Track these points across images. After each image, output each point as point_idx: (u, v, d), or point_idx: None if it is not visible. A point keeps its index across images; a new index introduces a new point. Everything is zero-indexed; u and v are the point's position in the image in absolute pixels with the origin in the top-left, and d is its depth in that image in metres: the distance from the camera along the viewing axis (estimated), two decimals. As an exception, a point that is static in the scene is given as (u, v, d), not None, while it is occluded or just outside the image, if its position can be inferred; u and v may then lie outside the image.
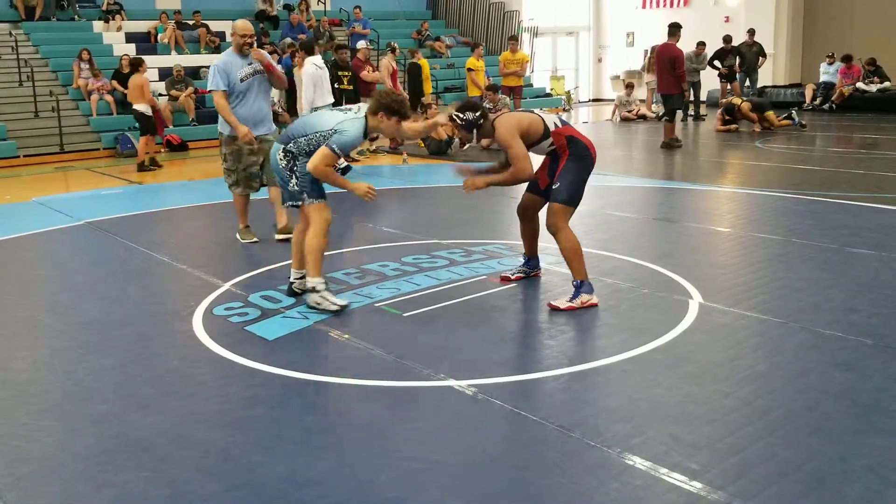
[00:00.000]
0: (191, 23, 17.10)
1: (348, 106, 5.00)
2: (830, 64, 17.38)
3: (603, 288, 5.02)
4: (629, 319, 4.59)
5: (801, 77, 20.33)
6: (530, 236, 5.22)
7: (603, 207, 7.78)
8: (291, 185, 4.82)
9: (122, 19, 16.75)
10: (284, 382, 3.86)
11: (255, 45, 6.60)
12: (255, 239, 6.73)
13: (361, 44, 12.70)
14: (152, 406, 3.61)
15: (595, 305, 4.75)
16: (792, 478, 2.84)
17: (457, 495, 2.81)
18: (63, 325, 4.87)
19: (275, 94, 12.08)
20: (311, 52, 10.28)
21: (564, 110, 19.04)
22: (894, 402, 3.42)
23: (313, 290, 4.81)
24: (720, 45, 16.74)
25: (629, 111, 17.28)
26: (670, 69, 12.18)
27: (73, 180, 11.46)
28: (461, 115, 4.74)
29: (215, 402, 3.68)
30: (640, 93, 18.63)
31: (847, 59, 17.00)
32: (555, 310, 4.70)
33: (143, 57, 12.78)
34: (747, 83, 17.35)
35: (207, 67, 6.49)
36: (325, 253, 4.93)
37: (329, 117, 4.79)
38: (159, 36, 16.49)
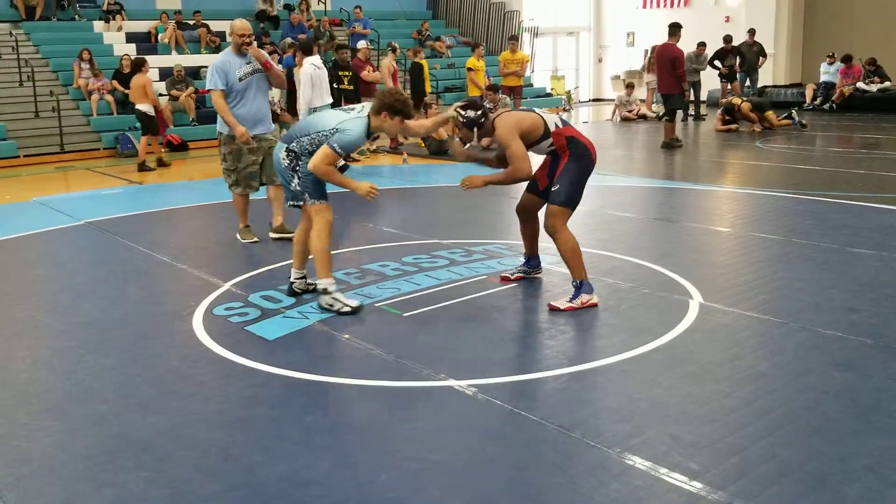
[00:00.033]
0: (191, 23, 17.11)
1: (351, 106, 4.99)
2: (831, 64, 17.38)
3: (603, 288, 5.02)
4: (629, 319, 4.59)
5: (801, 77, 20.33)
6: (530, 236, 5.22)
7: (603, 207, 7.78)
8: (294, 185, 4.82)
9: (123, 19, 16.75)
10: (284, 382, 3.86)
11: (255, 44, 6.60)
12: (255, 239, 6.73)
13: (362, 44, 12.70)
14: (152, 406, 3.61)
15: (595, 305, 4.75)
16: (792, 478, 2.84)
17: (457, 495, 2.81)
18: (63, 325, 4.87)
19: (275, 93, 12.09)
20: (308, 53, 10.28)
21: (565, 110, 19.04)
22: (894, 402, 3.42)
23: (325, 291, 4.79)
24: (720, 44, 16.74)
25: (629, 111, 17.28)
26: (671, 69, 12.17)
27: (73, 180, 11.46)
28: (462, 113, 4.73)
29: (215, 402, 3.68)
30: (641, 93, 18.63)
31: (847, 59, 17.00)
32: (555, 310, 4.69)
33: (143, 57, 12.78)
34: (748, 83, 17.35)
35: (207, 67, 6.49)
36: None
37: (331, 117, 4.79)
38: (160, 36, 16.49)
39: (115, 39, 16.25)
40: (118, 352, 4.31)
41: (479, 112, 4.72)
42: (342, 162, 9.41)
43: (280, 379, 3.89)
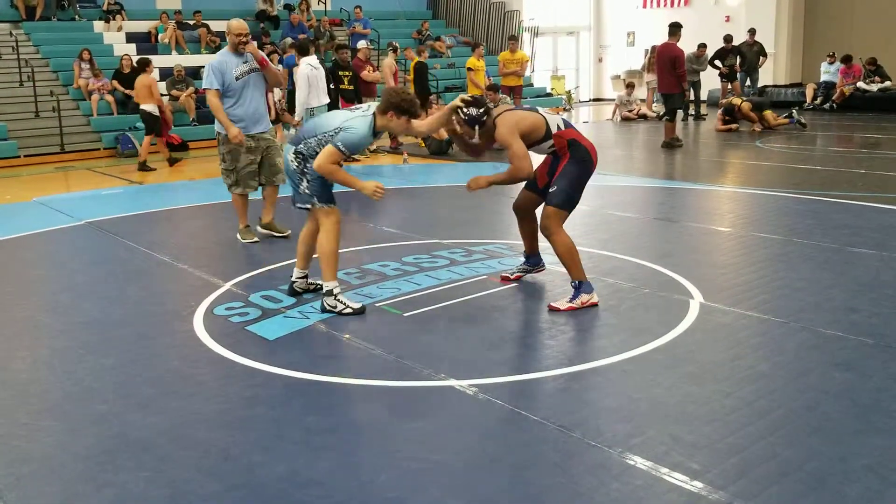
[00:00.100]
0: (191, 23, 17.11)
1: (357, 105, 4.99)
2: (831, 63, 17.38)
3: (603, 288, 5.02)
4: (629, 319, 4.59)
5: (801, 77, 20.32)
6: (529, 234, 5.21)
7: (603, 207, 7.78)
8: (302, 187, 4.79)
9: (123, 19, 16.75)
10: (285, 382, 3.86)
11: (254, 44, 6.60)
12: (255, 239, 6.73)
13: (362, 44, 12.71)
14: (152, 406, 3.61)
15: (596, 304, 4.74)
16: (792, 478, 2.84)
17: (457, 495, 2.81)
18: (63, 325, 4.87)
19: (277, 94, 12.10)
20: (305, 53, 10.28)
21: (565, 110, 19.04)
22: (894, 402, 3.42)
23: (329, 293, 4.79)
24: (721, 44, 16.74)
25: (630, 111, 17.28)
26: (671, 69, 12.18)
27: (73, 180, 11.46)
28: (464, 110, 4.69)
29: (215, 402, 3.68)
30: (641, 92, 18.63)
31: (847, 59, 17.00)
32: (555, 311, 4.69)
33: (148, 57, 12.79)
34: (748, 83, 17.35)
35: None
36: (316, 255, 4.92)
37: (337, 116, 4.78)
38: (160, 36, 16.49)
39: (116, 39, 16.25)
40: (118, 352, 4.31)
41: (482, 109, 4.69)
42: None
43: (280, 379, 3.89)
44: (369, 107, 4.78)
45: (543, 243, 5.15)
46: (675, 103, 12.56)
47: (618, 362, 3.95)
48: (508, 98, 14.71)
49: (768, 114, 14.27)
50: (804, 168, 10.13)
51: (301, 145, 4.76)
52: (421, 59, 14.51)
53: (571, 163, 4.75)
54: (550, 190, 4.76)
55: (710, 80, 17.46)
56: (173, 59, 15.50)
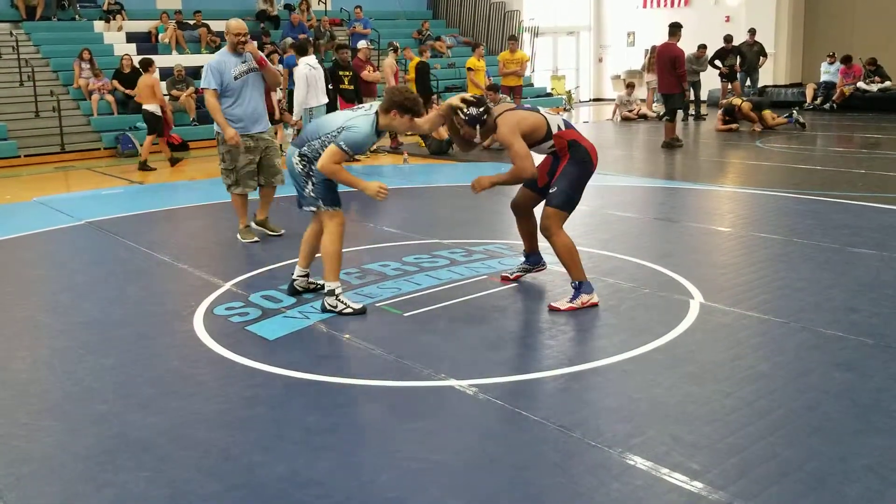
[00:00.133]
0: (191, 22, 17.11)
1: (360, 105, 4.98)
2: (831, 63, 17.38)
3: (604, 288, 5.02)
4: (630, 319, 4.59)
5: (801, 77, 20.33)
6: (528, 233, 5.20)
7: (604, 207, 7.78)
8: (307, 190, 4.78)
9: (123, 19, 16.75)
10: (285, 382, 3.85)
11: (254, 44, 6.61)
12: (255, 238, 6.73)
13: (362, 43, 12.71)
14: (152, 406, 3.61)
15: (596, 305, 4.74)
16: (792, 478, 2.84)
17: (457, 495, 2.81)
18: (63, 325, 4.87)
19: (279, 93, 12.10)
20: (304, 53, 10.29)
21: (565, 110, 19.04)
22: (894, 403, 3.42)
23: (330, 293, 4.78)
24: (721, 44, 16.74)
25: (630, 111, 17.28)
26: (671, 69, 12.18)
27: (73, 180, 11.46)
28: (464, 110, 4.66)
29: (216, 402, 3.68)
30: (641, 92, 18.63)
31: (847, 59, 17.00)
32: (555, 311, 4.69)
33: (151, 57, 12.80)
34: (748, 83, 17.35)
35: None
36: (319, 255, 4.92)
37: (339, 117, 4.77)
38: (160, 36, 16.49)
39: (116, 39, 16.25)
40: (118, 352, 4.31)
41: (482, 109, 4.68)
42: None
43: (280, 379, 3.89)
44: (371, 106, 4.77)
45: (543, 242, 5.15)
46: (675, 103, 12.56)
47: (618, 362, 3.95)
48: (508, 98, 14.73)
49: (767, 113, 14.28)
50: (804, 168, 10.13)
51: (305, 148, 4.75)
52: (423, 58, 14.52)
53: (571, 163, 4.74)
54: (550, 191, 4.76)
55: (710, 80, 17.46)
56: (173, 59, 15.51)
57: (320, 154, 4.68)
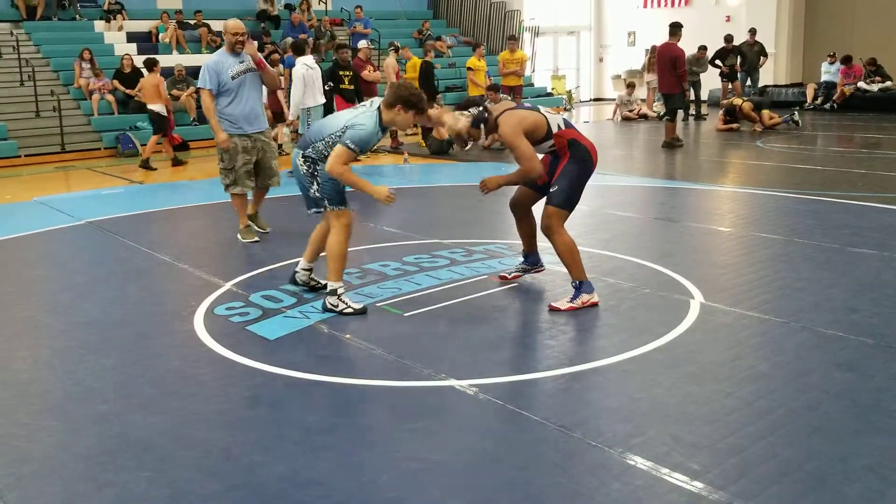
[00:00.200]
0: (192, 22, 17.11)
1: (362, 103, 4.97)
2: (832, 63, 17.37)
3: (604, 288, 5.02)
4: (630, 319, 4.59)
5: (802, 76, 20.32)
6: (527, 233, 5.20)
7: (604, 207, 7.78)
8: (312, 191, 4.77)
9: (124, 19, 16.75)
10: (285, 382, 3.86)
11: (255, 44, 6.63)
12: (256, 238, 6.74)
13: (363, 43, 12.71)
14: (153, 406, 3.61)
15: (596, 304, 4.74)
16: (792, 478, 2.84)
17: (457, 495, 2.81)
18: (64, 325, 4.87)
19: (280, 94, 12.12)
20: (301, 53, 10.30)
21: (565, 109, 19.03)
22: (895, 403, 3.42)
23: (332, 292, 4.78)
24: (721, 44, 16.74)
25: (630, 111, 17.28)
26: (671, 69, 12.18)
27: (74, 180, 11.46)
28: (465, 113, 4.66)
29: (216, 402, 3.68)
30: (641, 92, 18.63)
31: (847, 59, 17.00)
32: (555, 311, 4.69)
33: (143, 57, 12.81)
34: (748, 83, 17.35)
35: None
36: (323, 253, 4.92)
37: (341, 117, 4.76)
38: (160, 35, 16.48)
39: (116, 39, 16.25)
40: (119, 352, 4.31)
41: (480, 108, 4.68)
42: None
43: (281, 379, 3.89)
44: (372, 103, 4.76)
45: (542, 243, 5.15)
46: (675, 103, 12.56)
47: (618, 362, 3.95)
48: (509, 98, 14.73)
49: (765, 113, 14.30)
50: (805, 168, 10.13)
51: (309, 150, 4.75)
52: (427, 58, 14.54)
53: (571, 162, 4.74)
54: (551, 190, 4.76)
55: (710, 80, 17.46)
56: (174, 59, 15.50)
57: (325, 155, 4.67)
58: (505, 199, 5.38)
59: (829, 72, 17.50)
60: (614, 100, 18.63)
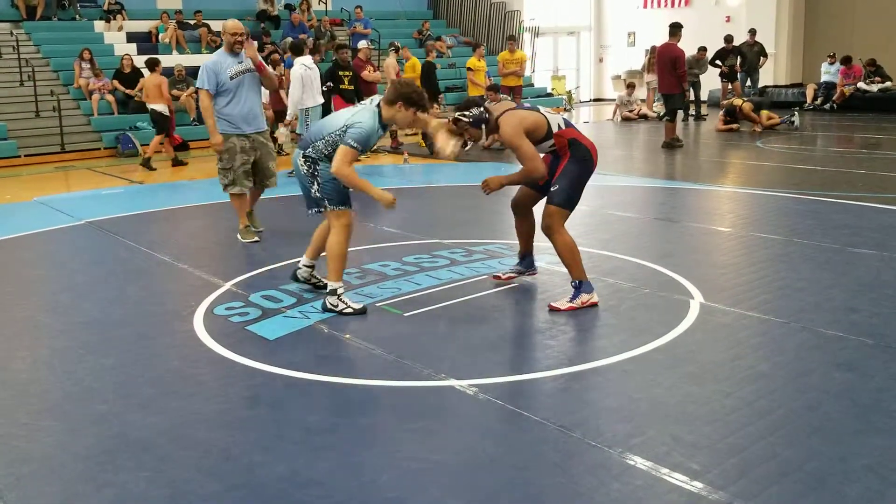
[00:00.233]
0: (192, 22, 17.11)
1: (361, 102, 4.96)
2: (831, 64, 17.38)
3: (604, 288, 5.01)
4: (630, 319, 4.58)
5: (802, 77, 20.33)
6: (526, 233, 5.19)
7: (604, 207, 7.78)
8: (313, 191, 4.77)
9: (124, 19, 16.76)
10: (285, 382, 3.85)
11: (255, 45, 6.64)
12: (256, 238, 6.73)
13: (363, 43, 12.71)
14: (153, 406, 3.61)
15: (596, 304, 4.74)
16: (792, 478, 2.84)
17: (457, 495, 2.81)
18: (63, 325, 4.87)
19: (283, 94, 12.13)
20: (299, 53, 10.30)
21: (565, 110, 19.04)
22: (895, 403, 3.42)
23: (332, 292, 4.78)
24: (721, 44, 16.74)
25: (630, 111, 17.28)
26: (671, 69, 12.18)
27: (73, 180, 11.46)
28: (466, 114, 4.63)
29: (216, 402, 3.68)
30: (641, 93, 18.63)
31: (846, 60, 17.01)
32: (555, 311, 4.69)
33: (143, 57, 12.82)
34: (748, 83, 17.35)
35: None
36: (324, 253, 4.92)
37: (341, 115, 4.75)
38: (160, 36, 16.49)
39: (116, 39, 16.25)
40: (118, 352, 4.31)
41: (481, 108, 4.66)
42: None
43: (281, 379, 3.89)
44: (371, 100, 4.76)
45: (542, 243, 5.15)
46: (675, 103, 12.56)
47: (618, 362, 3.95)
48: (509, 98, 14.73)
49: (764, 113, 14.32)
50: (804, 168, 10.13)
51: (310, 149, 4.74)
52: (429, 59, 14.56)
53: (572, 162, 4.74)
54: (551, 189, 4.75)
55: (710, 81, 17.47)
56: (174, 59, 15.50)
57: (324, 154, 4.67)
58: (505, 199, 5.38)
59: (828, 72, 17.50)
60: (614, 100, 18.63)
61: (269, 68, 7.04)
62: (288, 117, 10.49)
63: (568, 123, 4.85)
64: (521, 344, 4.45)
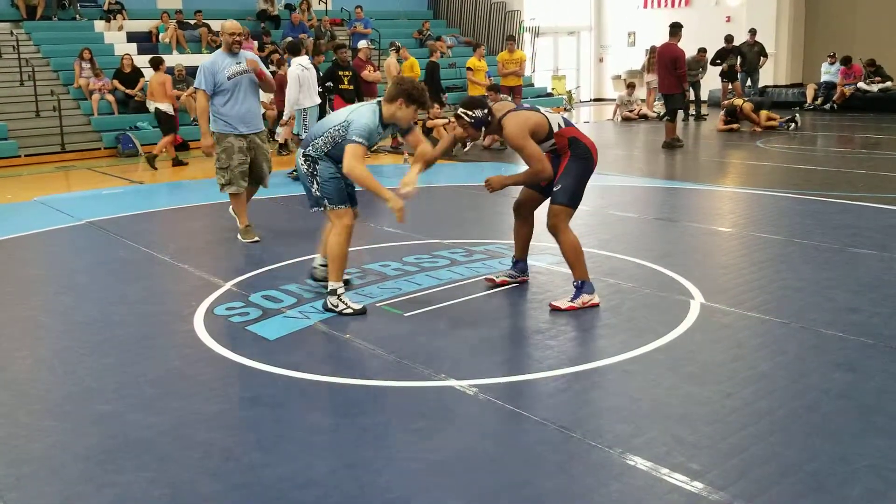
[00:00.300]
0: (192, 22, 17.11)
1: (361, 102, 4.97)
2: (832, 64, 17.38)
3: (604, 288, 5.02)
4: (630, 320, 4.58)
5: (802, 77, 20.33)
6: (524, 238, 5.17)
7: (604, 207, 7.77)
8: (314, 190, 4.77)
9: (124, 19, 16.76)
10: (285, 382, 3.85)
11: (255, 46, 6.66)
12: (256, 238, 6.73)
13: (363, 43, 12.72)
14: (153, 406, 3.61)
15: (596, 305, 4.74)
16: (793, 478, 2.84)
17: (457, 495, 2.81)
18: (64, 325, 4.87)
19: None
20: (296, 53, 10.30)
21: (566, 109, 19.04)
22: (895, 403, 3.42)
23: (333, 292, 4.78)
24: (721, 44, 16.74)
25: (630, 111, 17.28)
26: (671, 69, 12.18)
27: (74, 180, 11.46)
28: (469, 113, 4.62)
29: (216, 402, 3.68)
30: (641, 93, 18.63)
31: (846, 60, 17.01)
32: (556, 310, 4.69)
33: (144, 57, 12.83)
34: (748, 83, 17.36)
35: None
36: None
37: (341, 112, 4.77)
38: (160, 35, 16.49)
39: (116, 39, 16.25)
40: (119, 352, 4.31)
41: (486, 111, 4.65)
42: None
43: (281, 379, 3.89)
44: (372, 101, 4.79)
45: (537, 244, 5.15)
46: (675, 103, 12.56)
47: (619, 362, 3.95)
48: (509, 98, 14.73)
49: (763, 114, 14.32)
50: (805, 168, 10.13)
51: (309, 148, 4.75)
52: (433, 59, 14.57)
53: (573, 160, 4.74)
54: (555, 189, 4.74)
55: (711, 81, 17.47)
56: (174, 59, 15.49)
57: (324, 152, 4.69)
58: (505, 199, 5.39)
59: (829, 72, 17.50)
60: (614, 100, 18.63)
61: (270, 70, 7.06)
62: (284, 117, 10.50)
63: (567, 122, 4.85)
64: (521, 344, 4.45)
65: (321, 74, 11.10)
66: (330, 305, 4.78)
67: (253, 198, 6.90)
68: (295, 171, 7.34)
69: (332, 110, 10.30)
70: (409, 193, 4.61)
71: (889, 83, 16.88)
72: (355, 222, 4.88)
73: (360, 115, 4.61)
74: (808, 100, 17.71)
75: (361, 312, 4.74)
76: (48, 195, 9.56)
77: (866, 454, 2.99)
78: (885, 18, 18.83)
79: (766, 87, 18.44)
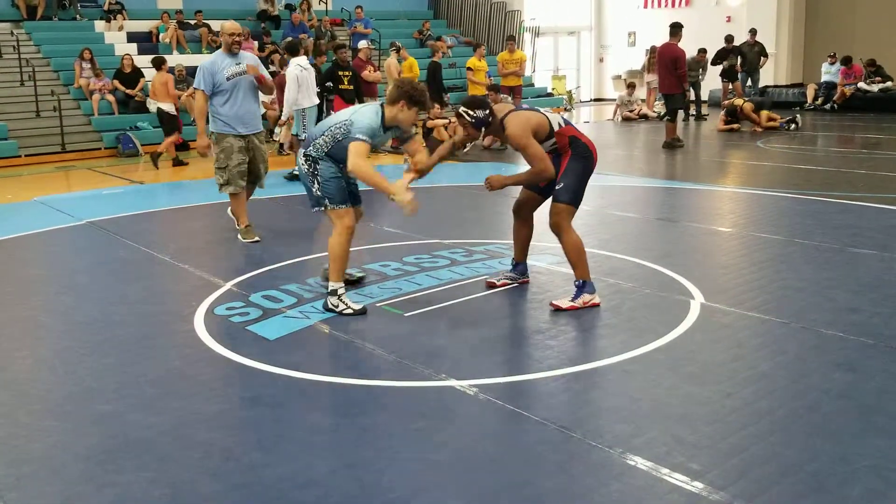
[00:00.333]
0: (192, 22, 17.11)
1: (363, 104, 4.97)
2: (832, 64, 17.37)
3: (604, 288, 5.02)
4: (630, 320, 4.58)
5: (802, 77, 20.32)
6: (523, 239, 5.16)
7: (604, 207, 7.77)
8: (315, 189, 4.77)
9: (124, 19, 16.76)
10: (286, 382, 3.85)
11: (259, 67, 6.65)
12: (256, 238, 6.73)
13: (363, 43, 12.71)
14: (153, 406, 3.61)
15: (597, 305, 4.74)
16: (793, 478, 2.84)
17: (457, 495, 2.81)
18: (64, 325, 4.87)
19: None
20: (295, 53, 10.31)
21: (566, 109, 19.04)
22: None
23: (333, 293, 4.78)
24: (721, 44, 16.74)
25: (631, 111, 17.28)
26: (672, 69, 12.18)
27: (74, 180, 11.46)
28: (470, 113, 4.61)
29: (216, 402, 3.68)
30: (642, 93, 18.63)
31: (846, 60, 17.01)
32: (557, 310, 4.69)
33: (144, 57, 12.84)
34: (749, 83, 17.35)
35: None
36: (323, 254, 4.92)
37: (343, 112, 4.78)
38: (161, 36, 16.48)
39: (117, 39, 16.25)
40: (119, 352, 4.31)
41: (487, 111, 4.64)
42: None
43: (281, 379, 3.89)
44: (374, 103, 4.80)
45: (545, 244, 5.15)
46: (675, 103, 12.56)
47: (619, 362, 3.95)
48: (509, 98, 14.73)
49: (764, 114, 14.32)
50: (805, 168, 10.13)
51: (310, 147, 4.75)
52: (435, 59, 14.57)
53: (574, 159, 4.74)
54: (557, 188, 4.74)
55: (711, 81, 17.46)
56: (174, 59, 15.48)
57: (325, 151, 4.69)
58: (505, 199, 5.38)
59: (829, 72, 17.50)
60: (615, 100, 18.63)
61: (270, 70, 7.08)
62: (283, 117, 10.50)
63: (567, 122, 4.86)
64: (521, 344, 4.45)
65: (322, 74, 11.10)
66: (330, 305, 4.78)
67: (253, 198, 6.90)
68: (292, 172, 7.34)
69: (332, 110, 10.31)
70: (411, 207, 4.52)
71: (889, 83, 16.87)
72: (358, 222, 4.87)
73: (363, 115, 4.62)
74: (809, 100, 17.71)
75: (362, 313, 4.74)
76: (48, 195, 9.57)
77: (867, 454, 2.99)
78: (885, 18, 18.83)
79: (767, 87, 18.44)
